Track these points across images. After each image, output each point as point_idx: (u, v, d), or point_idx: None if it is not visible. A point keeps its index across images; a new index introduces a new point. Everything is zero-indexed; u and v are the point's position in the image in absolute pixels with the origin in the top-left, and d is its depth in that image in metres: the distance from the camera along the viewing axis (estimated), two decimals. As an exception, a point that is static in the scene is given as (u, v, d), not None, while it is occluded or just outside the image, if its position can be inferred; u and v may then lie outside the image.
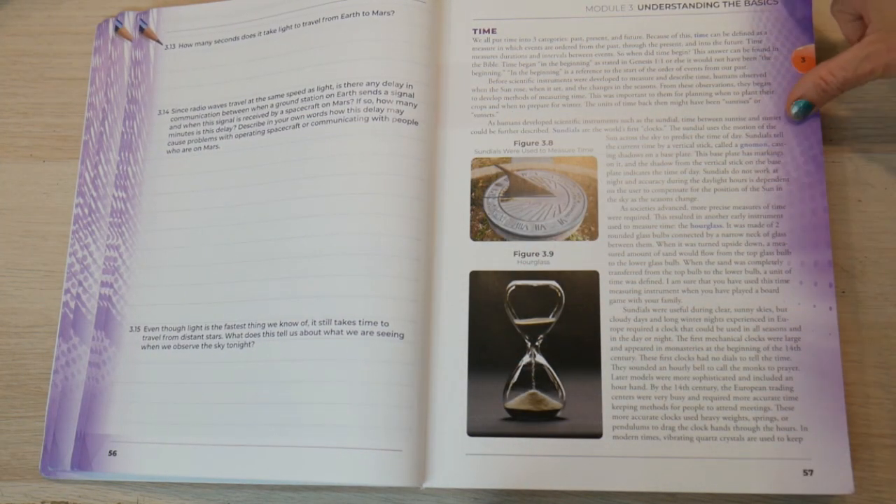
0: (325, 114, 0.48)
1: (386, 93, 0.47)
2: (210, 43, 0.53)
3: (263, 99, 0.50)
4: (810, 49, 0.48)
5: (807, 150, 0.46)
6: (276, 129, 0.49)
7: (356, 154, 0.47)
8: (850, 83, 0.43)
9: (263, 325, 0.46)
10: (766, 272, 0.44)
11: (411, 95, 0.47)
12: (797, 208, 0.45)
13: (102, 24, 0.54)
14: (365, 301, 0.44)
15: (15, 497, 0.46)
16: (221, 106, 0.51)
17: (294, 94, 0.49)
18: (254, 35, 0.52)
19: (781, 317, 0.44)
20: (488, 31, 0.50)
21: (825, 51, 0.49)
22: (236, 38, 0.52)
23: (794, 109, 0.45)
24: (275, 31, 0.51)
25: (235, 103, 0.51)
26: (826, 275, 0.44)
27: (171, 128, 0.51)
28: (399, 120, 0.47)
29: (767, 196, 0.45)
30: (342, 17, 0.49)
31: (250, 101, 0.50)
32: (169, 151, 0.51)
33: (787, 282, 0.44)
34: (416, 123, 0.47)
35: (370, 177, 0.46)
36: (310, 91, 0.49)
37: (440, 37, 0.50)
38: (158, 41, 0.53)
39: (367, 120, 0.47)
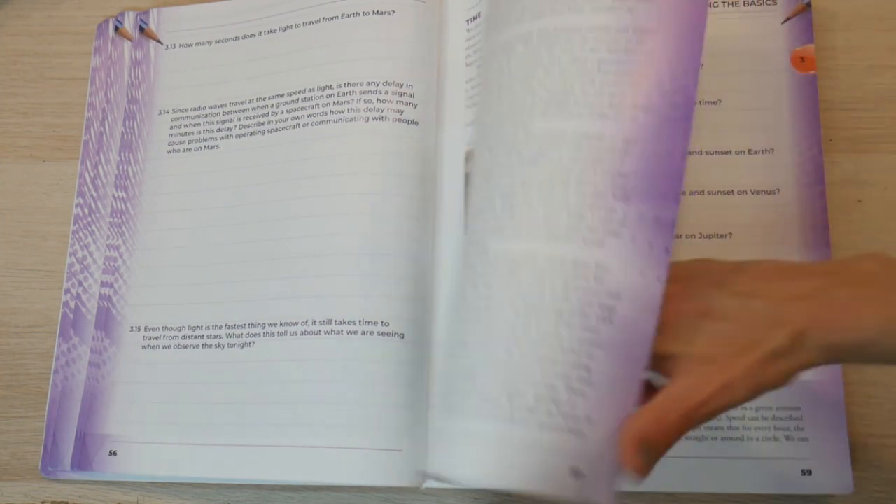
0: (326, 114, 0.48)
1: (386, 93, 0.47)
2: (210, 43, 0.53)
3: (264, 99, 0.50)
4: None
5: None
6: (277, 129, 0.49)
7: (356, 154, 0.47)
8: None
9: (264, 325, 0.46)
10: None
11: (411, 95, 0.47)
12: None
13: (102, 24, 0.54)
14: (365, 301, 0.44)
15: (15, 497, 0.46)
16: (222, 106, 0.51)
17: (294, 93, 0.49)
18: (254, 35, 0.52)
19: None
20: (476, 17, 0.50)
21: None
22: (236, 38, 0.52)
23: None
24: (275, 31, 0.51)
25: (236, 103, 0.51)
26: None
27: (172, 128, 0.51)
28: (399, 120, 0.47)
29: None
30: (342, 17, 0.49)
31: (250, 101, 0.50)
32: (169, 151, 0.51)
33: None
34: (417, 123, 0.47)
35: (370, 177, 0.46)
36: (310, 91, 0.49)
37: (439, 35, 0.50)
38: (159, 41, 0.53)
39: (367, 120, 0.47)
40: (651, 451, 0.32)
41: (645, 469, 0.32)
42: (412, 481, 0.42)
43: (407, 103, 0.47)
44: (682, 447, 0.42)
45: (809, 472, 0.41)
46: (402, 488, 0.45)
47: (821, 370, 0.42)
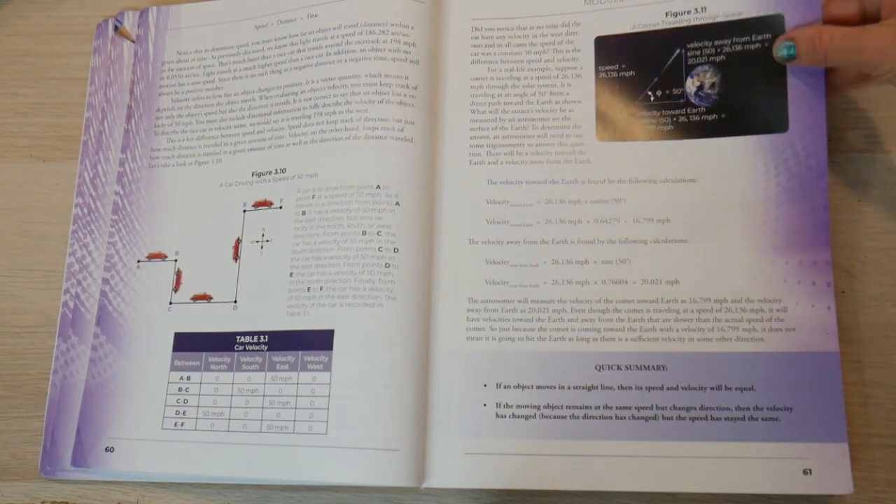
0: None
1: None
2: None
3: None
4: None
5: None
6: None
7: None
8: (840, 60, 0.42)
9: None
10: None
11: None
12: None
13: (102, 24, 0.54)
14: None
15: (15, 497, 0.46)
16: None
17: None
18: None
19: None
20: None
21: None
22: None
23: (781, 51, 0.44)
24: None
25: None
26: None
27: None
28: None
29: None
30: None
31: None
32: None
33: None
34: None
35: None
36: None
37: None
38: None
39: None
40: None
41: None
42: (412, 481, 0.42)
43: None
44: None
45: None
46: (402, 488, 0.45)
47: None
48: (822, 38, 0.42)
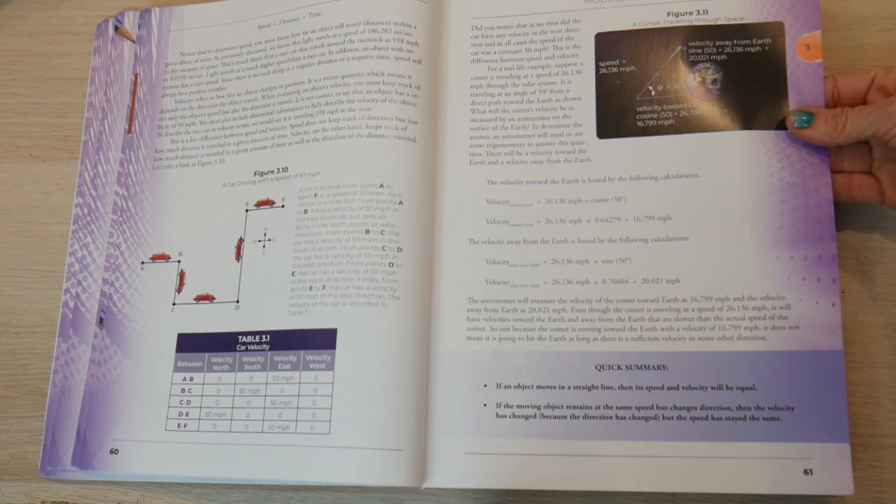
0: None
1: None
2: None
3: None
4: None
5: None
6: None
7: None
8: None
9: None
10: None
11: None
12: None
13: (102, 24, 0.54)
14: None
15: (15, 497, 0.47)
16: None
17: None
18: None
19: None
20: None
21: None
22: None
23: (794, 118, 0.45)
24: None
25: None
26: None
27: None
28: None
29: None
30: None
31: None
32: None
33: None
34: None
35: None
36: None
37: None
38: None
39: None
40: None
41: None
42: (412, 481, 0.42)
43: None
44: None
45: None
46: (402, 488, 0.45)
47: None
48: (847, 113, 0.43)
